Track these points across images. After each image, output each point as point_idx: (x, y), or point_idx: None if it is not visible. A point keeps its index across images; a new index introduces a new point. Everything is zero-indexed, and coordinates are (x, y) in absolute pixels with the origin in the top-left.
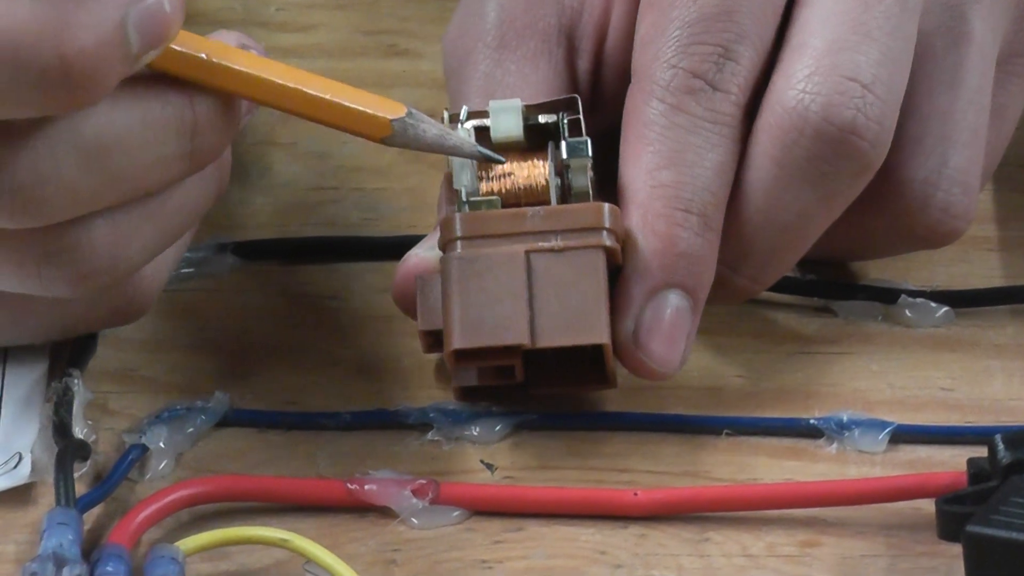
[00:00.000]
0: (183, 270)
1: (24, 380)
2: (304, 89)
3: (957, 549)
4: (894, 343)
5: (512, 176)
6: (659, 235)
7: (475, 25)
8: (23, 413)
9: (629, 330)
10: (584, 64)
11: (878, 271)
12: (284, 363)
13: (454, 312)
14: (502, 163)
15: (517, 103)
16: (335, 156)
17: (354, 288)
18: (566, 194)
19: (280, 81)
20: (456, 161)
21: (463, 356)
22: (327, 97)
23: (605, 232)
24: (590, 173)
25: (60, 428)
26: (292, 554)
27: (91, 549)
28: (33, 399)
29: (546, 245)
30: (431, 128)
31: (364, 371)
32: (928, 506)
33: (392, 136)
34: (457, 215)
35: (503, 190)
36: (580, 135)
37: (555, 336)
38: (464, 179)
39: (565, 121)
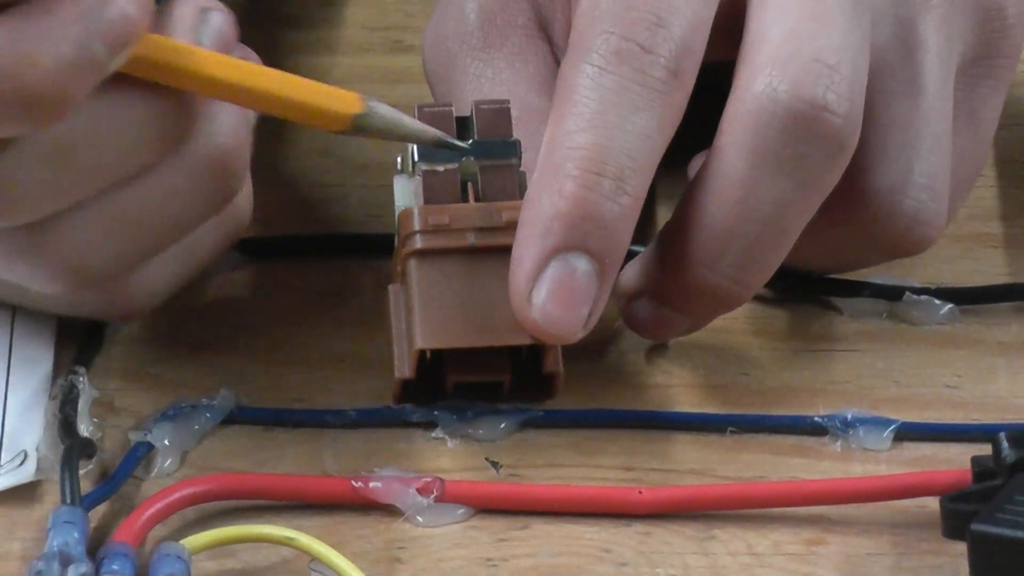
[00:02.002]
0: None
1: (29, 377)
2: (262, 88)
3: (962, 547)
4: (899, 340)
5: None
6: (565, 196)
7: (455, 28)
8: (28, 411)
9: (524, 290)
10: (561, 57)
11: (882, 269)
12: (289, 361)
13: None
14: (465, 149)
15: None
16: (340, 153)
17: (359, 285)
18: None
19: (236, 81)
20: (397, 186)
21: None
22: (286, 95)
23: (417, 236)
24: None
25: (65, 426)
26: (297, 552)
27: (97, 547)
28: (38, 396)
29: (398, 272)
30: (390, 117)
31: (369, 369)
32: (933, 504)
33: (353, 130)
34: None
35: None
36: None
37: (406, 362)
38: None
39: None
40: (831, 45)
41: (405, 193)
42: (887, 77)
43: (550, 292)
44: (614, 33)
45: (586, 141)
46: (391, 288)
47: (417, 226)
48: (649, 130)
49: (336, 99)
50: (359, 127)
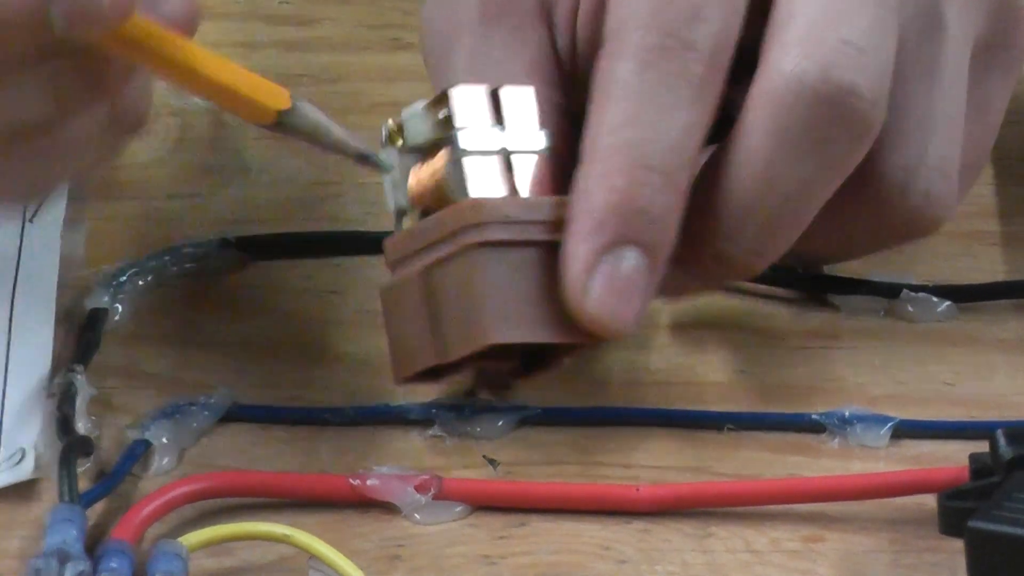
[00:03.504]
0: (186, 265)
1: (27, 375)
2: (197, 69)
3: (960, 544)
4: (896, 338)
5: (422, 179)
6: (617, 190)
7: (455, 4)
8: (26, 409)
9: (580, 284)
10: (562, 42)
11: (880, 266)
12: (287, 358)
13: (391, 346)
14: (389, 168)
15: (419, 106)
16: None
17: (357, 283)
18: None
19: (175, 55)
20: (386, 180)
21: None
22: (219, 79)
23: (485, 227)
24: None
25: (63, 424)
26: (296, 550)
27: (95, 545)
28: (36, 395)
29: (439, 256)
30: (315, 119)
31: (367, 366)
32: (931, 501)
33: (276, 125)
34: (386, 241)
35: (415, 195)
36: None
37: (458, 348)
38: (396, 196)
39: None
40: (862, 27)
41: (402, 169)
42: (906, 56)
43: (606, 286)
44: (653, 28)
45: (633, 136)
46: (385, 288)
47: (484, 217)
48: (691, 124)
49: (265, 92)
50: (283, 124)
